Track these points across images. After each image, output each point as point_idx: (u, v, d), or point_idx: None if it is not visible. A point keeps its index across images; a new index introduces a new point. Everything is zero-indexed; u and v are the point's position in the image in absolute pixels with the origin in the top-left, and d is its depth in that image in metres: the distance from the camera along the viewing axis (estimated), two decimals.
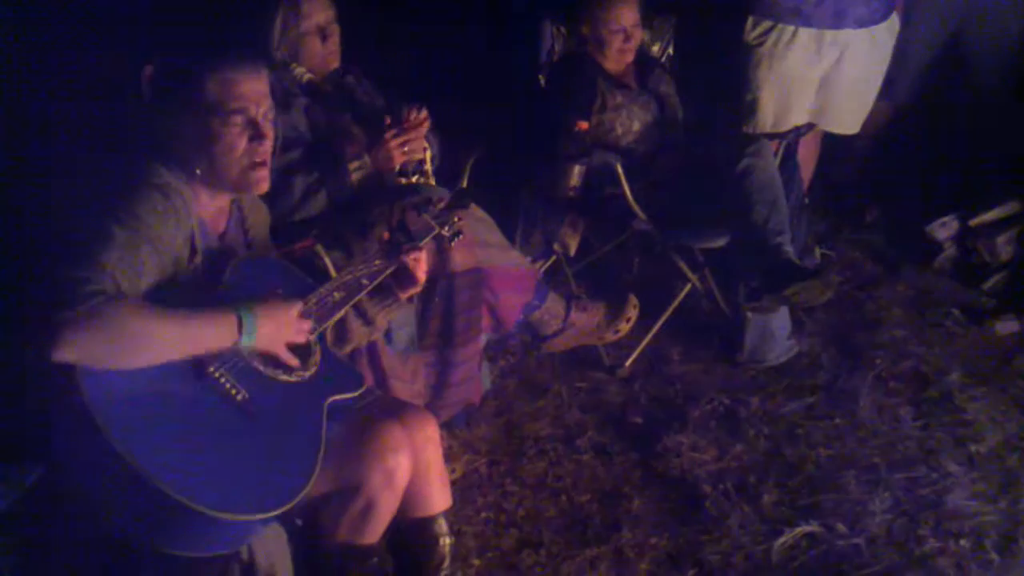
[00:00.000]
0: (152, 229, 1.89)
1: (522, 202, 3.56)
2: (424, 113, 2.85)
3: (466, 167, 3.35)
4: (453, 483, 2.52)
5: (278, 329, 1.99)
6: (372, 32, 3.56)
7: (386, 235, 2.35)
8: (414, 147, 2.83)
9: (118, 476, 1.68)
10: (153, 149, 2.01)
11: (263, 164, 2.07)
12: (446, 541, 2.30)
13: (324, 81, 2.88)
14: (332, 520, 2.13)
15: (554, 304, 3.08)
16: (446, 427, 2.91)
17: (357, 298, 2.23)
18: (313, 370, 2.08)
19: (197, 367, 1.86)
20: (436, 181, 3.06)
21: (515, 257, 3.02)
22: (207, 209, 2.09)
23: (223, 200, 2.14)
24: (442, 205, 2.50)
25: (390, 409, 2.24)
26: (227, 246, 2.14)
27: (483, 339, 2.94)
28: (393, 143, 2.76)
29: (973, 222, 3.82)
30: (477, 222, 2.94)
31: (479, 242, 2.89)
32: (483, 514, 2.78)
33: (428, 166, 3.01)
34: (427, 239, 2.40)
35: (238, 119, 2.02)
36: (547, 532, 2.72)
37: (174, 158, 2.02)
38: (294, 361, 2.03)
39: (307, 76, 2.83)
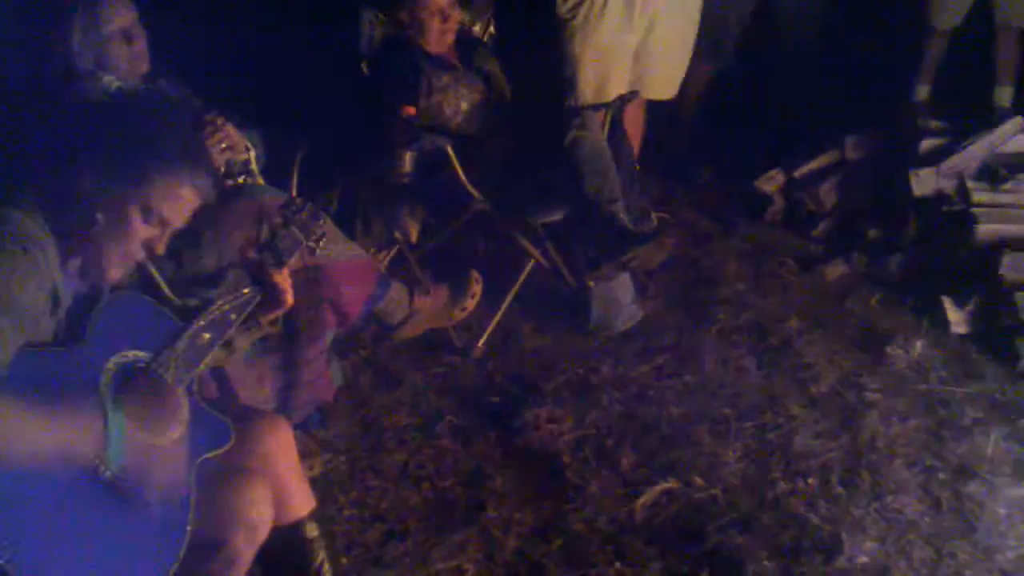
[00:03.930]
0: (12, 296, 1.72)
1: (358, 194, 3.52)
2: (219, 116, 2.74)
3: (295, 164, 3.29)
4: (313, 482, 2.48)
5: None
6: (185, 33, 3.43)
7: (250, 253, 2.16)
8: (232, 144, 2.75)
9: None
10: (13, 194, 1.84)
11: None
12: (318, 543, 2.25)
13: (135, 87, 2.77)
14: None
15: (397, 292, 3.06)
16: (301, 428, 2.85)
17: (227, 336, 2.07)
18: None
19: None
20: (265, 180, 3.00)
21: (353, 250, 2.97)
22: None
23: None
24: (304, 215, 2.25)
25: (245, 449, 2.11)
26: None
27: (328, 335, 2.89)
28: (208, 143, 2.66)
29: (796, 173, 3.97)
30: None
31: None
32: (347, 511, 2.74)
33: (254, 166, 2.94)
34: (295, 255, 2.21)
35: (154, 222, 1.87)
36: (412, 521, 2.70)
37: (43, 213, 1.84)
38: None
39: (116, 84, 2.69)
